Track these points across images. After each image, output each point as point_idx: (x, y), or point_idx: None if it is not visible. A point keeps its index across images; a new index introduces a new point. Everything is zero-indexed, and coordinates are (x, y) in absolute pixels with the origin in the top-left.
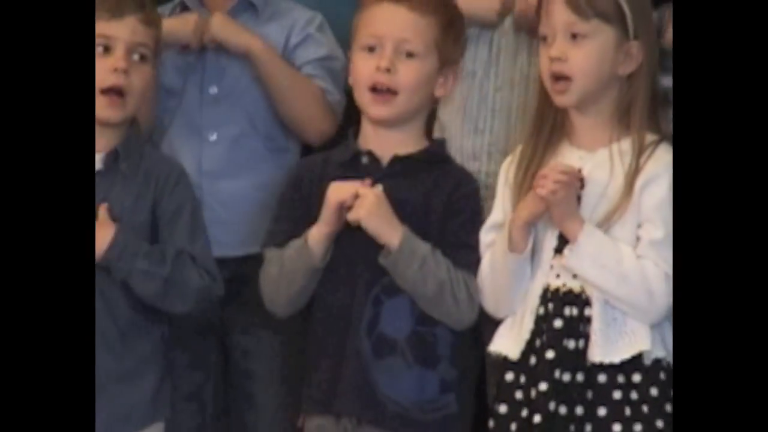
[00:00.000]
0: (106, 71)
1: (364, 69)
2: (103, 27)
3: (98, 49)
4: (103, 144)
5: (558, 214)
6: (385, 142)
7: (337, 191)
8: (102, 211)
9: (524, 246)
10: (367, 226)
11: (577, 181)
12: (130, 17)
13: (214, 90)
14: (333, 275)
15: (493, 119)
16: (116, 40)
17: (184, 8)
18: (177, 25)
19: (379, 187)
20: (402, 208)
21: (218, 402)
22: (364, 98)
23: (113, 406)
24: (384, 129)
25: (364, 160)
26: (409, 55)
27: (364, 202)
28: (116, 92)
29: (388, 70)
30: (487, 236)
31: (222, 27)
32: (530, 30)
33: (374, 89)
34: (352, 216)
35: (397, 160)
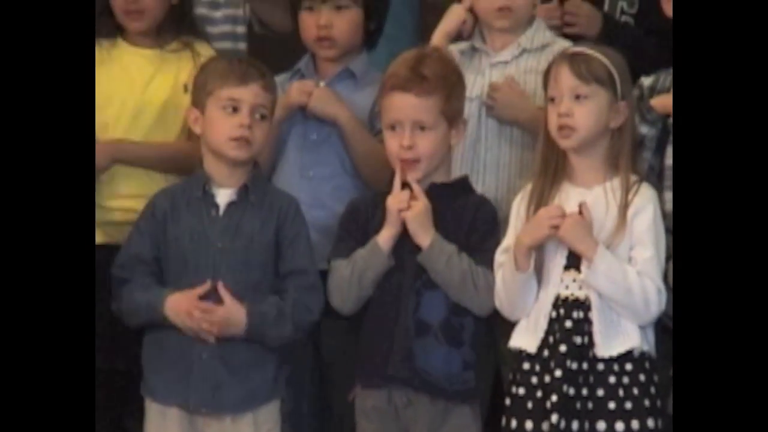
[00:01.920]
0: (234, 126)
1: (391, 145)
2: (232, 92)
3: (228, 109)
4: (235, 181)
5: (571, 240)
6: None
7: (395, 199)
8: (226, 295)
9: (527, 266)
10: (409, 226)
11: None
12: (254, 84)
13: (314, 137)
14: (384, 276)
15: (485, 173)
16: (243, 102)
17: (302, 75)
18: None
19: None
20: (438, 223)
21: (311, 388)
22: (396, 165)
23: (245, 385)
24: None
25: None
26: (423, 128)
27: (414, 207)
28: (243, 140)
29: (410, 147)
30: (500, 257)
31: (318, 99)
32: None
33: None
34: (404, 215)
35: (434, 186)
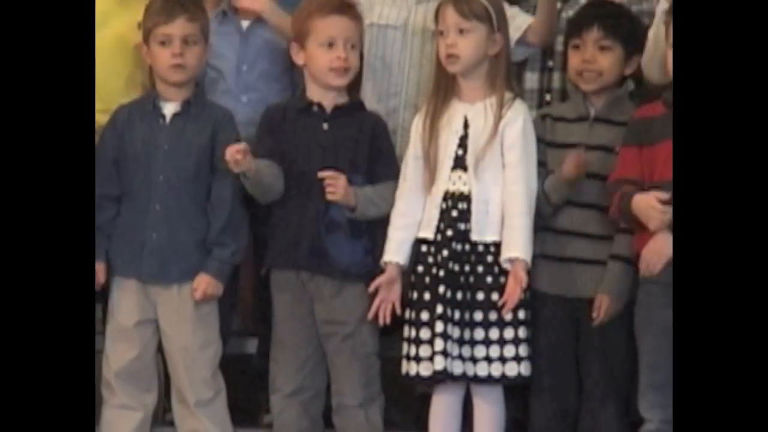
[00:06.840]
0: (169, 56)
1: (324, 58)
2: (163, 29)
3: (163, 43)
4: (180, 96)
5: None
6: (324, 96)
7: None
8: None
9: None
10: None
11: None
12: (179, 19)
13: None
14: (294, 181)
15: (407, 86)
16: (173, 36)
17: (225, 14)
18: None
19: None
20: (343, 140)
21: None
22: (325, 74)
23: (187, 261)
24: (326, 89)
25: (315, 108)
26: (353, 46)
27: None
28: (178, 66)
29: (346, 59)
30: (407, 163)
31: None
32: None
33: (333, 69)
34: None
35: (337, 108)
